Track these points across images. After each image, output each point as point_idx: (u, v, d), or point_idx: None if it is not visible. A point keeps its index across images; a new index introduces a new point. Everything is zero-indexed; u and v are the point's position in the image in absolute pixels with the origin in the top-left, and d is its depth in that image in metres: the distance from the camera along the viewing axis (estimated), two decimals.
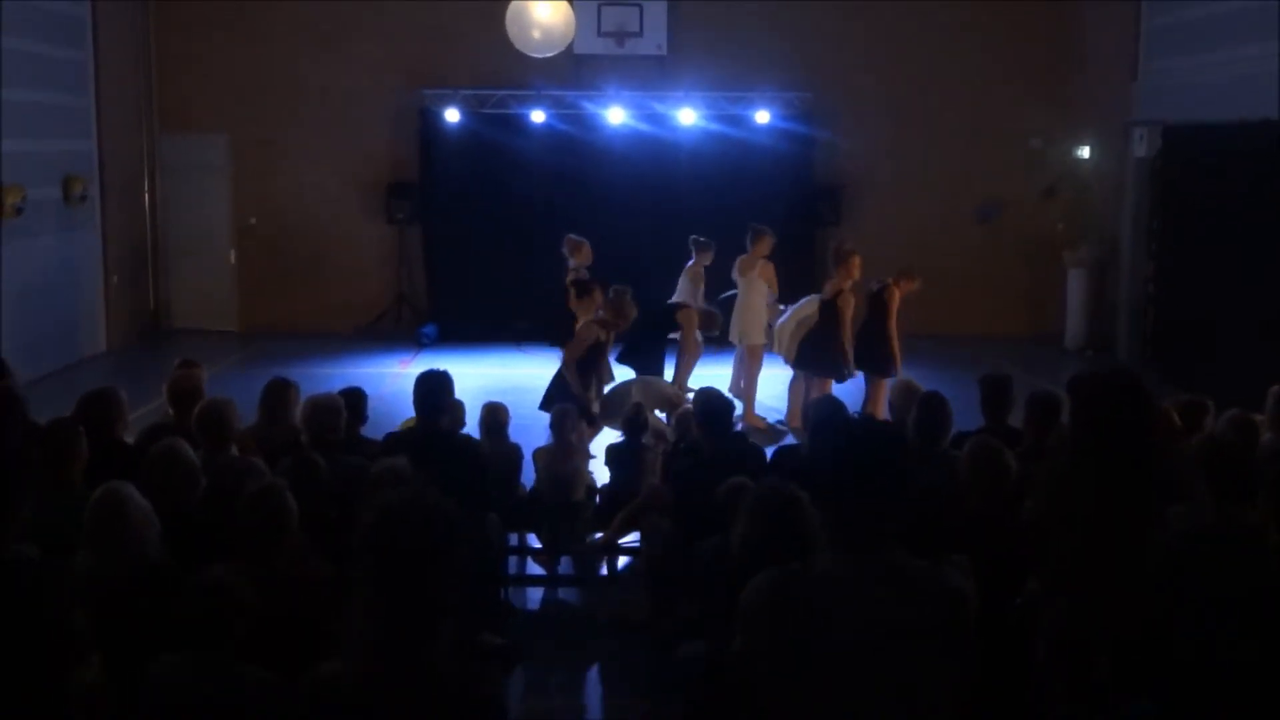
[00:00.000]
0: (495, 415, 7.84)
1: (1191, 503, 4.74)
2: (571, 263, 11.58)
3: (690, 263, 12.21)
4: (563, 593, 7.77)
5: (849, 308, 10.49)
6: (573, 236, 11.71)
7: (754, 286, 11.52)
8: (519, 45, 11.35)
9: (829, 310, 10.64)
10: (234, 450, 6.05)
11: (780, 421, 11.56)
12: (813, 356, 10.80)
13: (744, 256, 11.60)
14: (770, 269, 11.60)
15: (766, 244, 11.50)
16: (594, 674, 6.41)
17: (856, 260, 10.61)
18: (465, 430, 7.42)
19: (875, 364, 10.50)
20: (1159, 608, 3.92)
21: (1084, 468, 4.12)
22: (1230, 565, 4.17)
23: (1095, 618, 3.74)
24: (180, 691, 3.85)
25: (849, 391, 10.63)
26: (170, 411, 6.96)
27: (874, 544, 2.89)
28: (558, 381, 9.45)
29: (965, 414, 6.92)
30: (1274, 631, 3.61)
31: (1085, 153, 16.62)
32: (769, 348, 11.60)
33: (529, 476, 8.02)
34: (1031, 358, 14.54)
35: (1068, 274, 15.96)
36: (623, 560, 7.74)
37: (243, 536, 4.58)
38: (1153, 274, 14.78)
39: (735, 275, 11.69)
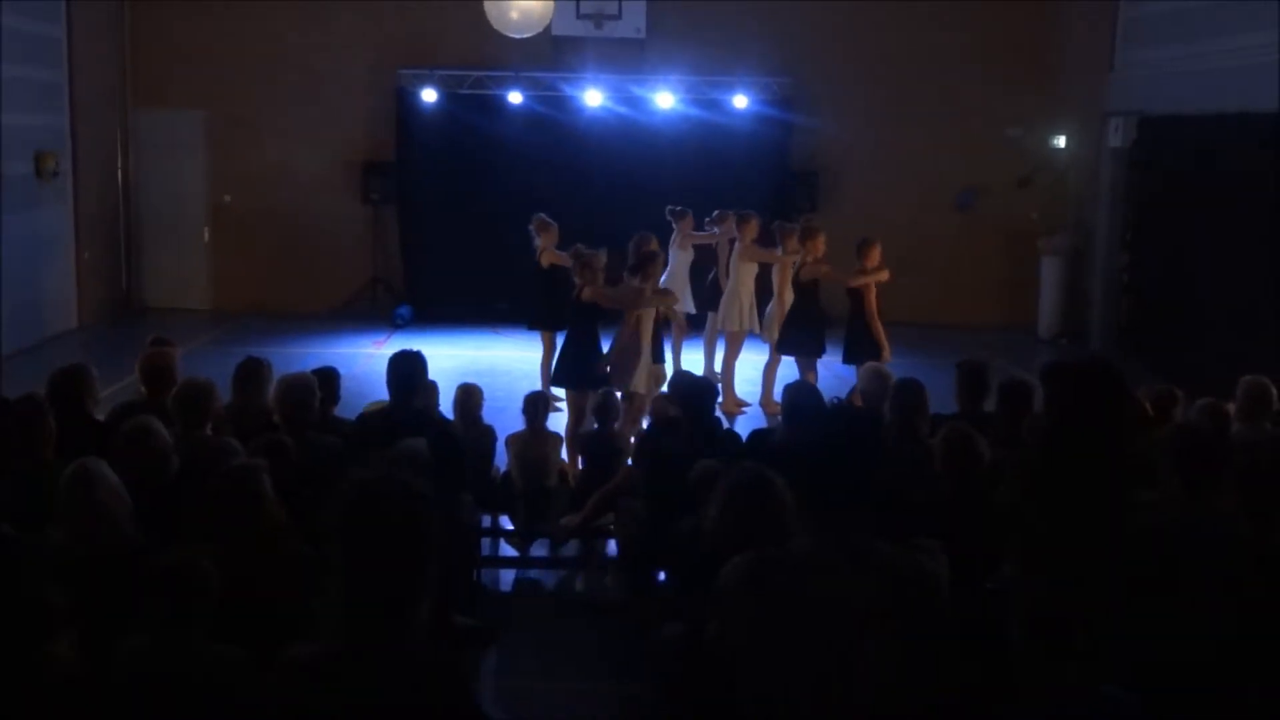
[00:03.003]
0: (469, 397, 7.82)
1: (1162, 490, 4.76)
2: (538, 242, 11.50)
3: (674, 235, 12.21)
4: (536, 574, 7.77)
5: (871, 293, 10.54)
6: (542, 216, 11.64)
7: (741, 274, 11.52)
8: (497, 25, 11.32)
9: (807, 292, 10.73)
10: (208, 430, 6.02)
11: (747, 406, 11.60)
12: (805, 341, 10.79)
13: (738, 245, 11.59)
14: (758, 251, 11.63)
15: (753, 228, 11.52)
16: (567, 656, 6.41)
17: (821, 238, 10.78)
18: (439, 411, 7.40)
19: (866, 354, 10.50)
20: (1132, 594, 3.95)
21: (1057, 455, 4.14)
22: (1201, 553, 4.21)
23: (1069, 603, 3.76)
24: (150, 671, 3.83)
25: (828, 381, 10.67)
26: (142, 389, 6.92)
27: (849, 528, 2.90)
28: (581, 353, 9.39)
29: (939, 402, 6.98)
30: (1244, 618, 3.65)
31: (1061, 142, 16.67)
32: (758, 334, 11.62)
33: (502, 459, 8.01)
34: (1005, 345, 14.57)
35: (1042, 262, 16.03)
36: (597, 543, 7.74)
37: (215, 515, 4.56)
38: (1127, 264, 14.87)
39: (734, 262, 11.67)
